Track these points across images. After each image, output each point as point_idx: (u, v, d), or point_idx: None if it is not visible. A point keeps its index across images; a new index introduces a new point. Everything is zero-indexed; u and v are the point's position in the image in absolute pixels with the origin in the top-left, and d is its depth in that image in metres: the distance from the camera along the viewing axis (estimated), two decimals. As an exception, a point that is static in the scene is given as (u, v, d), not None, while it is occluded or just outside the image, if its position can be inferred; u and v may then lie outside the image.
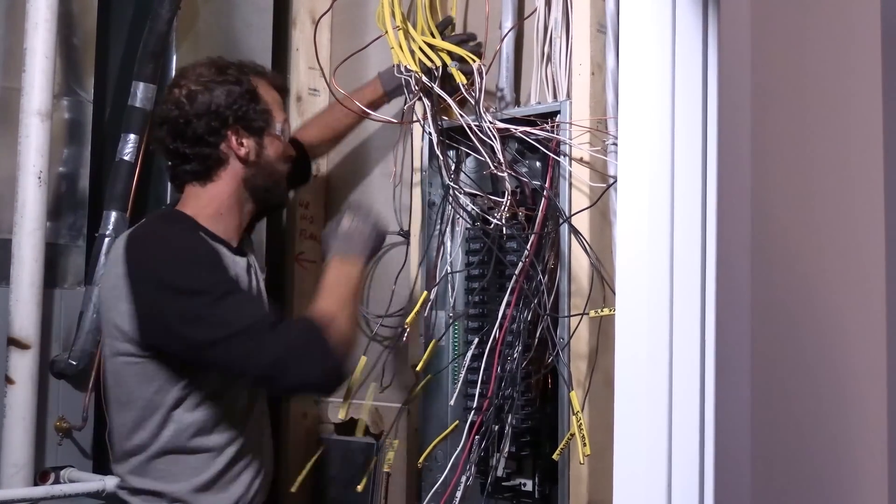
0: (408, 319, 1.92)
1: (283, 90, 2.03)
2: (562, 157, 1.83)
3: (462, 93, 1.85)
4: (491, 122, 1.81)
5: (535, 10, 1.95)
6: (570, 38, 1.88)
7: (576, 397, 1.74)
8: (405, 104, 2.00)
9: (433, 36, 2.02)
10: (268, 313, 1.75)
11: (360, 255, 1.86)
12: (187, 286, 1.74)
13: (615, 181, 1.77)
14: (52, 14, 2.15)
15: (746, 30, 1.30)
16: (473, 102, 1.81)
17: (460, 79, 1.87)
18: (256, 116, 1.88)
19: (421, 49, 1.94)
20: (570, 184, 1.83)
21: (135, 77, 2.24)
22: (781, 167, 1.27)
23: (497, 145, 1.80)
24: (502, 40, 2.00)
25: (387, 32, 1.92)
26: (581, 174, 1.83)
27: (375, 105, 2.14)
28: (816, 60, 1.27)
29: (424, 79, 1.84)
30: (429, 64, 1.89)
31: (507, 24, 2.01)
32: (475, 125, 1.84)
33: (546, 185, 1.85)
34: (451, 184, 1.83)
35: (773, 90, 1.28)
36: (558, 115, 1.85)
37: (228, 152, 1.87)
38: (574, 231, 1.80)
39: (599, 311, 1.74)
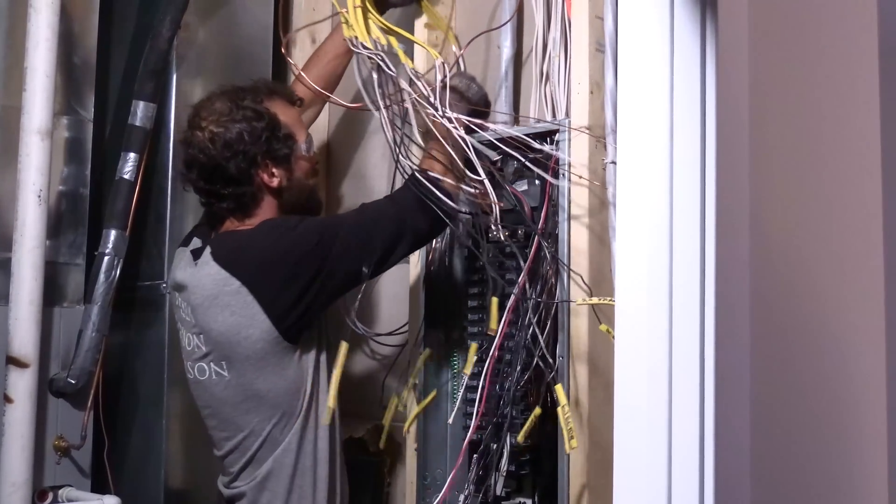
0: (492, 324, 1.83)
1: (298, 103, 2.02)
2: (560, 174, 1.83)
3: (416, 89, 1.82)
4: (457, 119, 1.78)
5: (535, 28, 1.96)
6: (569, 57, 1.89)
7: (561, 390, 1.73)
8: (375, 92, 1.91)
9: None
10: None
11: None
12: (310, 247, 1.82)
13: (613, 199, 1.77)
14: (53, 33, 2.15)
15: (744, 48, 1.30)
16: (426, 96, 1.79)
17: (406, 61, 1.84)
18: (281, 145, 1.90)
19: (379, 27, 1.89)
20: (569, 201, 1.83)
21: (135, 96, 2.24)
22: (780, 182, 1.27)
23: (466, 142, 1.78)
24: (497, 48, 2.01)
25: (346, 10, 1.89)
26: (580, 192, 1.83)
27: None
28: (814, 77, 1.27)
29: (378, 54, 1.80)
30: (380, 40, 1.86)
31: (506, 42, 2.01)
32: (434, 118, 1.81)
33: (545, 187, 1.85)
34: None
35: (771, 107, 1.29)
36: (557, 134, 1.86)
37: (261, 187, 1.90)
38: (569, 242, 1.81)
39: (601, 299, 1.73)
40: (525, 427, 1.78)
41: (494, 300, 1.81)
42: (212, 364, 1.89)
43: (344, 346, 1.83)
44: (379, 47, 1.83)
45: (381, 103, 1.81)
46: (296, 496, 1.89)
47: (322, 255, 1.81)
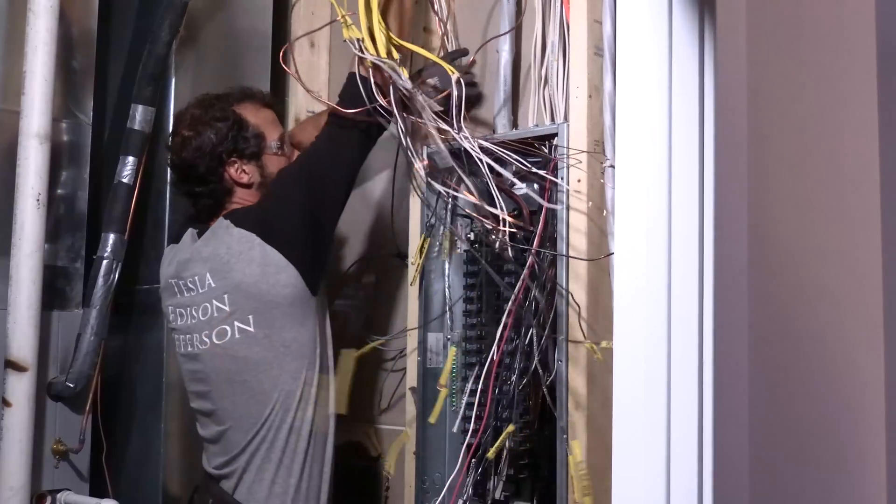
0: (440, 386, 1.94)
1: (272, 106, 2.14)
2: (559, 179, 1.83)
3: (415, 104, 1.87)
4: (476, 139, 1.82)
5: (533, 32, 1.96)
6: (568, 61, 1.89)
7: (578, 446, 1.76)
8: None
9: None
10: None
11: None
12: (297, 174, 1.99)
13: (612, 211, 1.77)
14: (52, 37, 2.16)
15: (742, 52, 1.31)
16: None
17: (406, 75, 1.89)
18: (248, 143, 2.04)
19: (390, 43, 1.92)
20: (568, 206, 1.83)
21: (134, 100, 2.25)
22: (778, 185, 1.28)
23: (485, 161, 1.80)
24: (496, 52, 2.01)
25: (350, 13, 1.92)
26: (578, 195, 1.83)
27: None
28: (812, 80, 1.28)
29: (392, 67, 1.86)
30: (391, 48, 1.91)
31: (505, 46, 2.02)
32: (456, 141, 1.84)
33: (544, 201, 1.85)
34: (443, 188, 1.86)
35: (770, 110, 1.29)
36: (556, 138, 1.86)
37: (232, 183, 2.04)
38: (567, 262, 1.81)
39: (598, 347, 1.74)
40: (496, 444, 1.80)
41: (452, 351, 1.94)
42: (236, 323, 1.97)
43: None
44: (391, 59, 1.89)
45: (395, 113, 1.88)
46: (306, 475, 1.98)
47: (310, 182, 1.96)
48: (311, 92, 2.26)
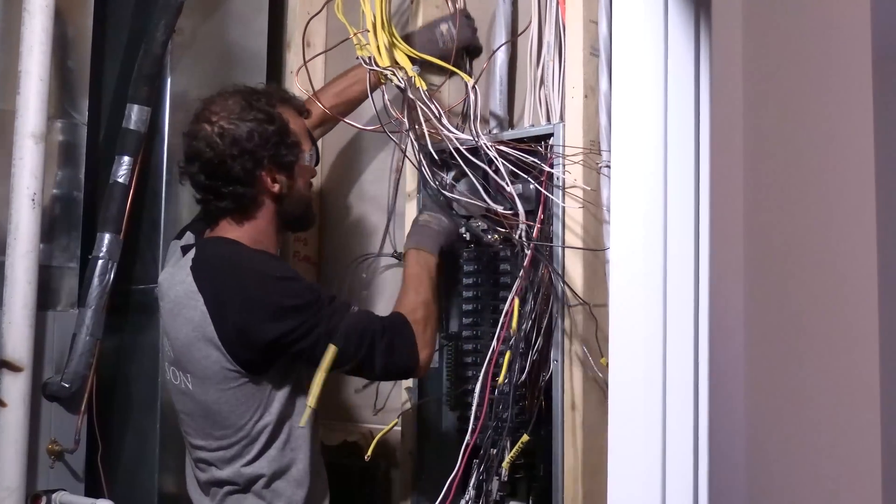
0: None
1: (306, 114, 1.99)
2: (555, 179, 1.84)
3: (426, 106, 1.83)
4: (490, 144, 1.81)
5: (528, 29, 1.96)
6: (563, 62, 1.89)
7: None
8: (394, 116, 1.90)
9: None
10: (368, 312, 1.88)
11: (433, 247, 1.90)
12: (291, 303, 1.77)
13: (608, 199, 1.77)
14: (47, 37, 2.15)
15: (738, 52, 1.31)
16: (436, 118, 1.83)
17: (421, 84, 1.85)
18: (287, 151, 1.86)
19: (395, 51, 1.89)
20: (563, 206, 1.83)
21: (129, 100, 2.24)
22: (774, 185, 1.28)
23: (500, 165, 1.80)
24: (488, 58, 2.02)
25: (361, 31, 1.90)
26: (574, 195, 1.83)
27: (373, 87, 1.96)
28: (808, 80, 1.28)
29: (398, 77, 1.82)
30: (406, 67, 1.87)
31: (501, 47, 2.02)
32: (469, 145, 1.85)
33: (540, 198, 1.86)
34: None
35: (766, 111, 1.29)
36: (552, 138, 1.86)
37: (262, 191, 1.86)
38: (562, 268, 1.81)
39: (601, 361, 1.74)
40: (512, 453, 1.78)
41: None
42: (178, 373, 1.87)
43: (331, 350, 1.75)
44: (402, 72, 1.85)
45: (405, 125, 1.83)
46: None
47: (305, 317, 1.77)
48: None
